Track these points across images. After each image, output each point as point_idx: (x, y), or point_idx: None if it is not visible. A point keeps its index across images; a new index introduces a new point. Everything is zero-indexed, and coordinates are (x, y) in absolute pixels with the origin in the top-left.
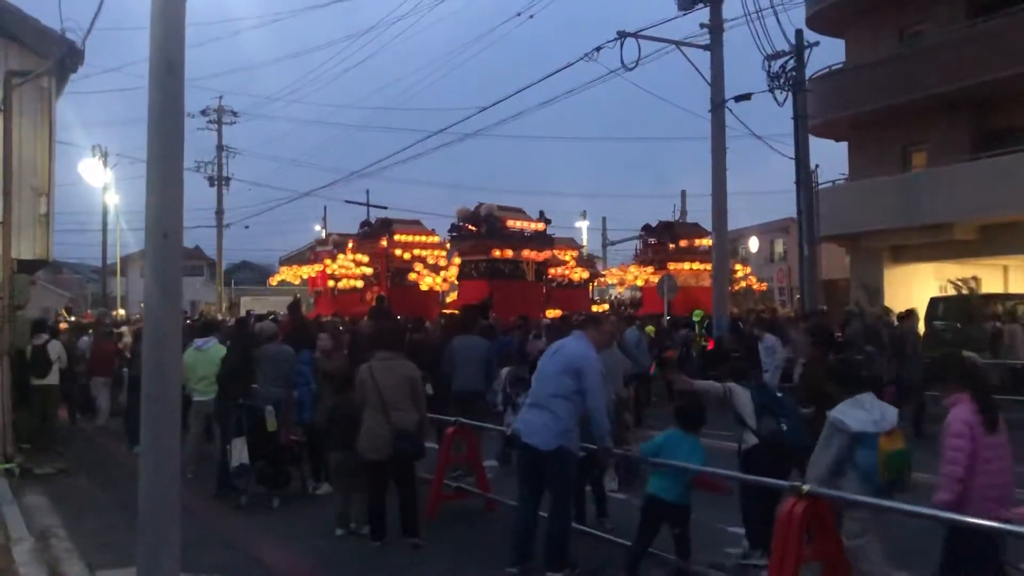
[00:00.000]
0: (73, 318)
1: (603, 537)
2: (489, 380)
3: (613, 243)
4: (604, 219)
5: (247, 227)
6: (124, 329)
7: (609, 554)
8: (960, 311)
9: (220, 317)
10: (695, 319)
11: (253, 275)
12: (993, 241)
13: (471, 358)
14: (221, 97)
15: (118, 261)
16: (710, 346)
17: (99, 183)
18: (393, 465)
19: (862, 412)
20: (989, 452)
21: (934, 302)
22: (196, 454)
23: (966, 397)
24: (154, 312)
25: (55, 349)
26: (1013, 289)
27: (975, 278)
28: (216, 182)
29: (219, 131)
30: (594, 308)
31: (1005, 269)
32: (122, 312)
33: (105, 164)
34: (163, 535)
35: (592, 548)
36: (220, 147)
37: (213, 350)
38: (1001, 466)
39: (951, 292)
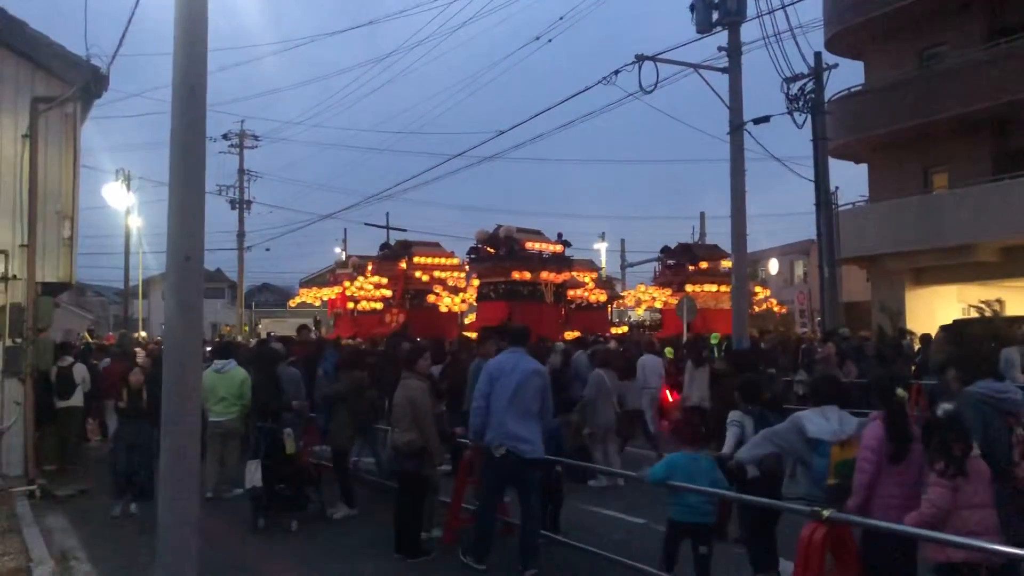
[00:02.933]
0: (91, 340)
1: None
2: None
3: (632, 265)
4: (623, 241)
5: (268, 250)
6: (138, 350)
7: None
8: (983, 333)
9: (239, 339)
10: (712, 342)
11: (273, 297)
12: (1016, 262)
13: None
14: (243, 121)
15: (140, 283)
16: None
17: (122, 206)
18: (405, 476)
19: (823, 421)
20: (893, 469)
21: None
22: (215, 475)
23: (881, 417)
24: (175, 334)
25: (80, 371)
26: None
27: (999, 300)
28: (237, 205)
29: (240, 155)
30: (613, 330)
31: None
32: (143, 334)
33: (128, 187)
34: (182, 558)
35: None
36: (241, 170)
37: (233, 372)
38: (906, 481)
39: (974, 314)
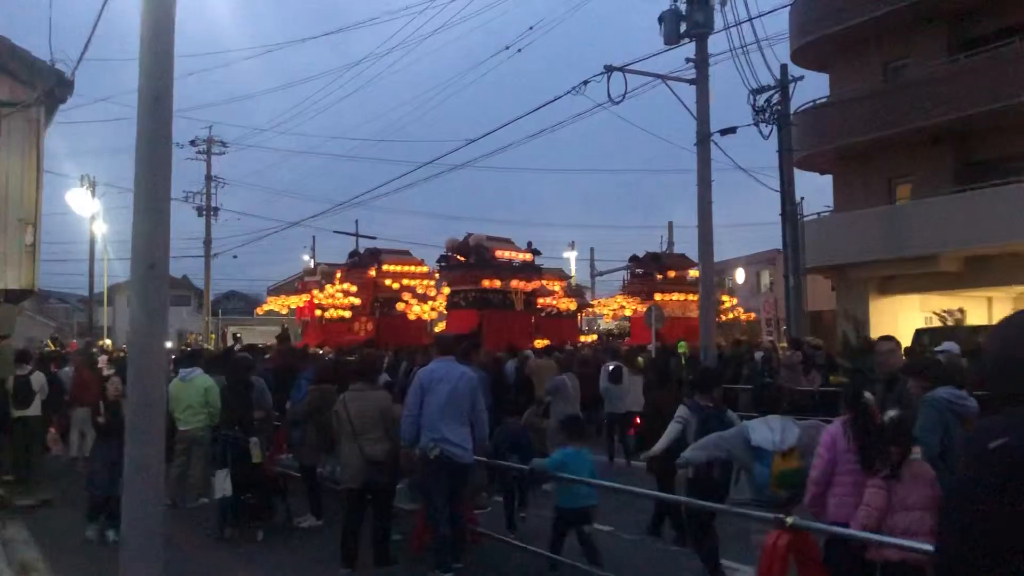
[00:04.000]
0: (54, 348)
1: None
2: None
3: (601, 273)
4: (592, 250)
5: (235, 257)
6: (102, 359)
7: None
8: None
9: (207, 346)
10: (680, 351)
11: (241, 305)
12: (978, 273)
13: None
14: (211, 127)
15: (105, 291)
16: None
17: (87, 213)
18: (368, 494)
19: (767, 430)
20: (849, 467)
21: (919, 333)
22: (182, 483)
23: (844, 420)
24: (140, 342)
25: (38, 380)
26: (998, 321)
27: (961, 310)
28: (204, 212)
29: (208, 161)
30: (582, 338)
31: (989, 301)
32: (108, 342)
33: (93, 194)
34: (146, 568)
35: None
36: (209, 177)
37: (198, 380)
38: (863, 482)
39: (936, 323)
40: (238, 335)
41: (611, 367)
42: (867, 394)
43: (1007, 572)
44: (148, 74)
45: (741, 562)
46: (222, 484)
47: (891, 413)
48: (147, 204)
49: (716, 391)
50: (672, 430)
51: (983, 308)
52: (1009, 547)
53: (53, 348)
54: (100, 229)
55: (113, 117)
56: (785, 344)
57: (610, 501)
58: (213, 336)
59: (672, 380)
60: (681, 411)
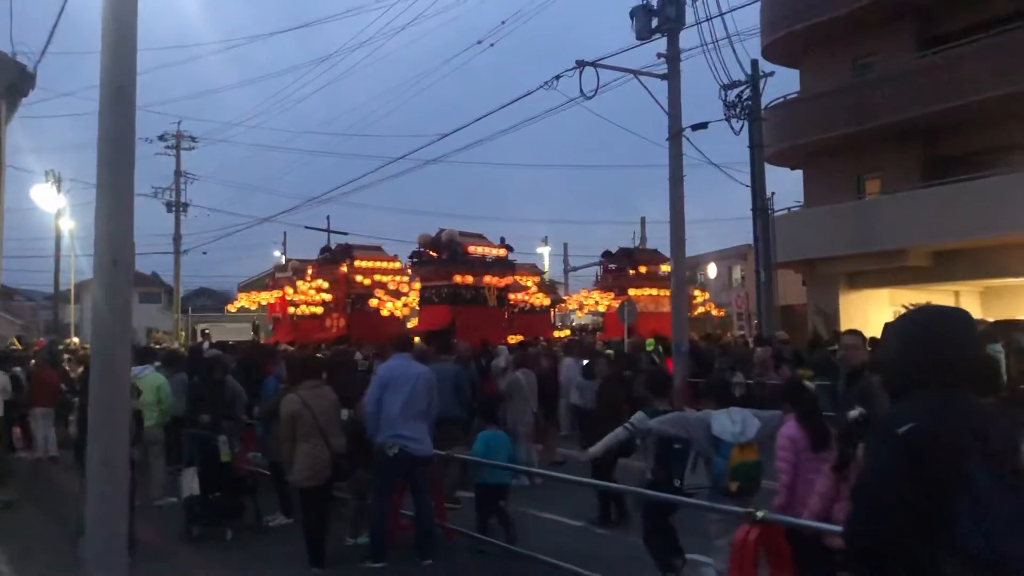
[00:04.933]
0: (20, 347)
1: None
2: (463, 405)
3: (574, 269)
4: (565, 245)
5: (205, 253)
6: (66, 357)
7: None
8: None
9: (166, 344)
10: (648, 348)
11: (211, 301)
12: (945, 267)
13: (444, 385)
14: (180, 122)
15: (72, 288)
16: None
17: (52, 208)
18: (325, 487)
19: (728, 422)
20: (812, 464)
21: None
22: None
23: (793, 417)
24: (104, 339)
25: (0, 379)
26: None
27: (928, 303)
28: (174, 208)
29: (177, 156)
30: (555, 333)
31: (956, 294)
32: (76, 340)
33: (59, 189)
34: (112, 569)
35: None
36: (178, 172)
37: (150, 378)
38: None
39: None
40: (206, 331)
41: (585, 362)
42: (807, 382)
43: (917, 551)
44: (109, 67)
45: (706, 555)
46: (189, 483)
47: (854, 412)
48: (110, 200)
49: (670, 393)
50: (618, 433)
51: (951, 302)
52: (919, 527)
53: (19, 347)
54: (67, 225)
55: (79, 112)
56: (752, 339)
57: (583, 497)
58: (183, 334)
59: (623, 376)
60: (635, 417)
